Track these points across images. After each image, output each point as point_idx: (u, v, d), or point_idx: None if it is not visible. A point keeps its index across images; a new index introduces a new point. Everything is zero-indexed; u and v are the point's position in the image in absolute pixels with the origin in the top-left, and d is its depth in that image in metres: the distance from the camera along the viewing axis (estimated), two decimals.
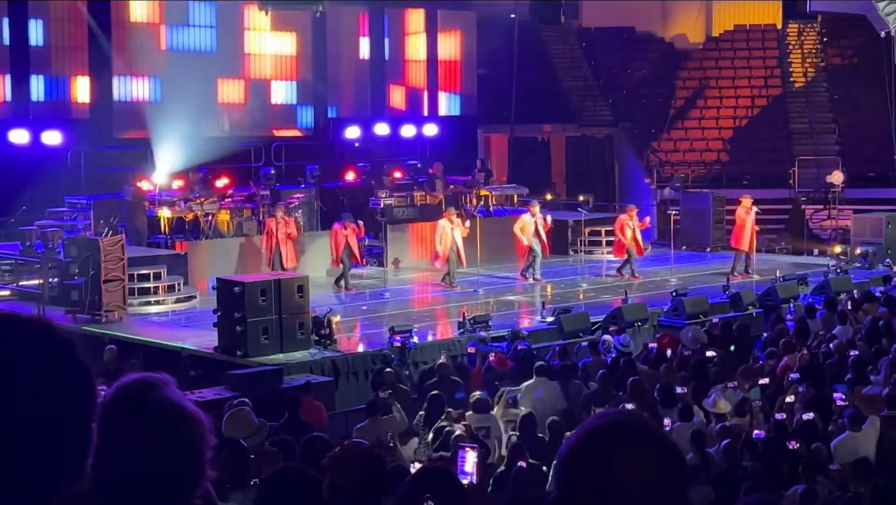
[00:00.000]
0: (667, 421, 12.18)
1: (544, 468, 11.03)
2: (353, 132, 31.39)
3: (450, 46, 34.12)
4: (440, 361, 15.98)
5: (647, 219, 26.38)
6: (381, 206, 26.34)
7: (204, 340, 18.03)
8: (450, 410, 13.27)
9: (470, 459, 8.99)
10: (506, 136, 35.91)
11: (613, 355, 16.22)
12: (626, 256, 24.43)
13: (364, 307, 21.75)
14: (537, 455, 11.28)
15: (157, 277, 21.47)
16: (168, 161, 25.92)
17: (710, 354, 15.95)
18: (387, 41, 32.76)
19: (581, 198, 30.58)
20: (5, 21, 26.52)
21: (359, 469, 5.64)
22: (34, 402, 2.07)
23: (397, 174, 28.13)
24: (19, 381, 2.06)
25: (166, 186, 24.64)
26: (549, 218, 24.67)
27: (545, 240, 24.11)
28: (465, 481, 8.76)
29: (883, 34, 31.58)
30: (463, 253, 23.26)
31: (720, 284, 22.49)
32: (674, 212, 26.92)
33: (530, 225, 23.89)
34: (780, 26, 37.86)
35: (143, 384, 2.31)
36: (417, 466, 8.53)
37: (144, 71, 28.50)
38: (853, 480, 10.34)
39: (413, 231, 26.31)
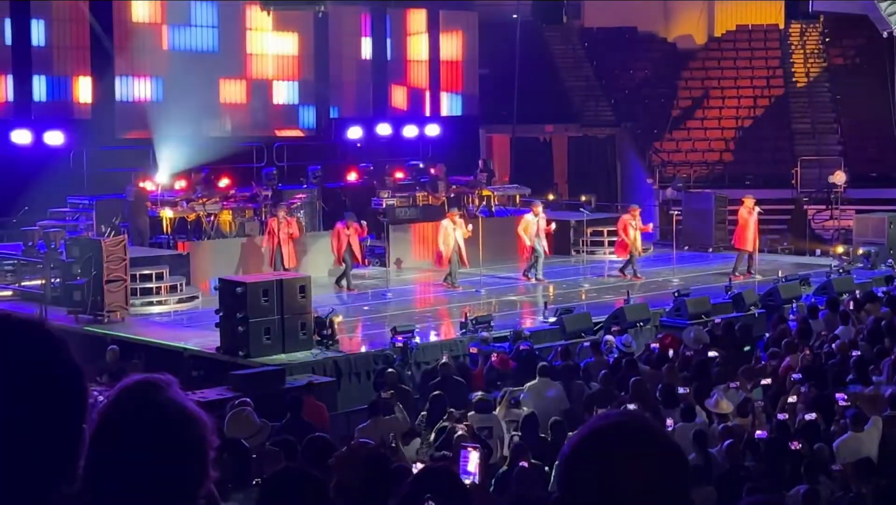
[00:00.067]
0: (669, 421, 12.17)
1: (546, 468, 11.03)
2: (355, 132, 31.40)
3: (452, 46, 34.13)
4: (443, 361, 15.99)
5: (650, 225, 26.36)
6: (384, 206, 26.35)
7: (206, 340, 18.04)
8: (452, 410, 13.26)
9: (472, 460, 8.99)
10: (508, 137, 35.92)
11: (615, 356, 16.21)
12: (628, 256, 24.43)
13: (366, 307, 21.75)
14: (539, 455, 11.28)
15: (160, 277, 21.48)
16: (170, 161, 25.94)
17: (712, 354, 15.94)
18: (388, 41, 32.77)
19: (583, 198, 30.57)
20: (7, 21, 26.55)
21: (365, 469, 5.64)
22: (26, 401, 2.07)
23: (399, 174, 28.15)
24: (11, 380, 2.06)
25: (169, 187, 24.67)
26: (553, 225, 24.71)
27: (544, 241, 24.12)
28: (467, 481, 8.76)
29: (885, 34, 31.58)
30: (465, 254, 23.27)
31: (722, 284, 22.47)
32: (676, 212, 26.91)
33: (533, 225, 23.89)
34: (782, 26, 37.85)
35: (146, 385, 2.31)
36: (419, 466, 8.53)
37: (146, 71, 28.52)
38: (855, 480, 10.34)
39: (415, 231, 26.31)
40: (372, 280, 24.55)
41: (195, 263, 22.74)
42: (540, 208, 24.46)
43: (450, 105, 34.43)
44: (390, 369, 15.76)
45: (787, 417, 12.37)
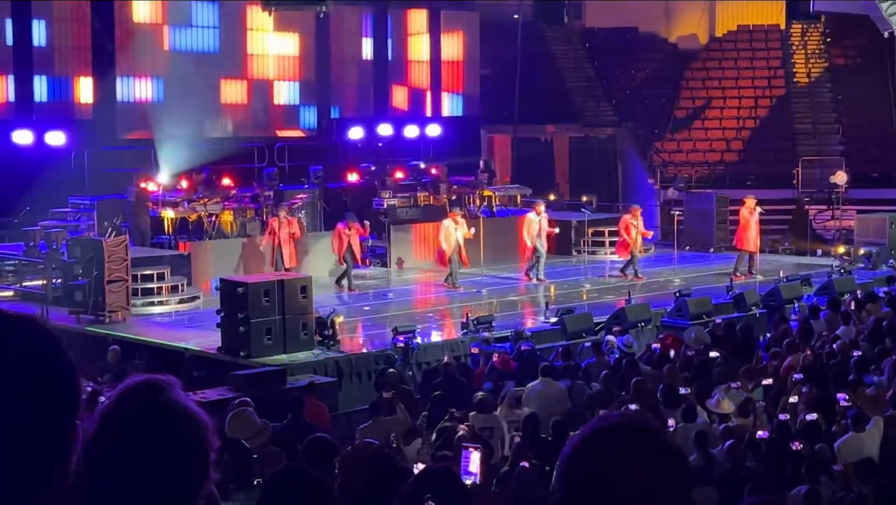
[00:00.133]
0: (671, 422, 12.17)
1: (547, 469, 11.02)
2: (356, 133, 31.40)
3: (453, 47, 34.14)
4: (445, 360, 16.00)
5: (651, 232, 26.32)
6: (385, 206, 26.36)
7: (207, 340, 18.04)
8: (453, 410, 13.26)
9: (474, 460, 9.01)
10: (509, 137, 35.92)
11: (617, 356, 16.21)
12: (629, 257, 24.43)
13: (367, 308, 21.76)
14: (541, 455, 11.27)
15: (161, 277, 21.48)
16: (171, 162, 25.94)
17: (713, 354, 15.93)
18: (389, 41, 32.77)
19: (584, 198, 30.57)
20: (8, 21, 26.55)
21: (370, 468, 5.65)
22: (19, 398, 2.07)
23: (399, 174, 28.16)
24: (4, 377, 2.06)
25: (170, 187, 24.67)
26: (557, 230, 24.72)
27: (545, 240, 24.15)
28: (468, 482, 8.77)
29: (886, 34, 31.57)
30: (465, 254, 23.28)
31: (724, 284, 22.47)
32: (677, 212, 26.91)
33: (535, 224, 23.90)
34: (783, 26, 37.83)
35: (148, 386, 2.31)
36: (421, 466, 8.53)
37: (147, 71, 28.52)
38: (857, 480, 10.34)
39: (416, 232, 26.31)
40: (373, 280, 24.55)
41: (196, 263, 22.74)
42: (542, 207, 24.47)
43: (451, 105, 34.43)
44: (391, 370, 15.76)
45: (788, 417, 12.36)
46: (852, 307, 18.49)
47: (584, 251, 26.97)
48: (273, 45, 30.82)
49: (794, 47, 37.32)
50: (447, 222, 23.29)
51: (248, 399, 12.47)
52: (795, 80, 36.38)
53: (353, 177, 28.32)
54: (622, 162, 35.65)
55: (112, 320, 19.61)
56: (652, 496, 2.16)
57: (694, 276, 24.66)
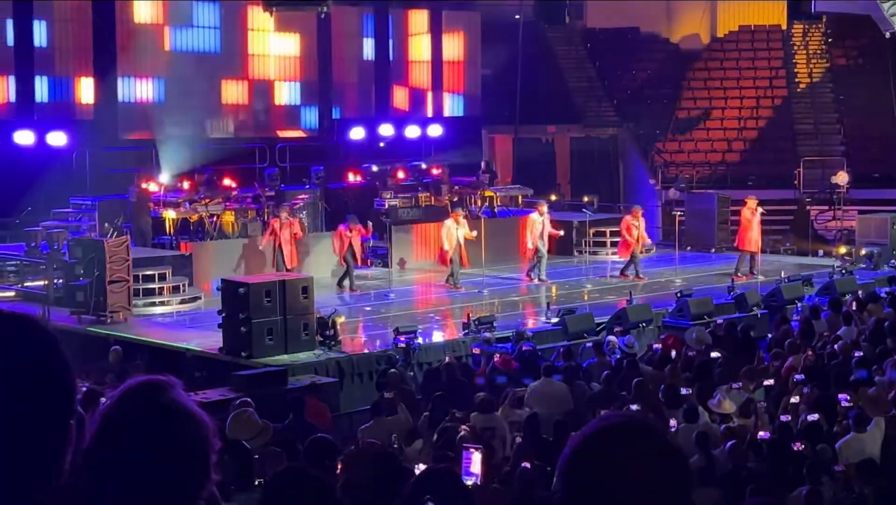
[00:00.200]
0: (672, 422, 12.16)
1: (549, 469, 11.02)
2: (357, 133, 31.41)
3: (454, 47, 34.14)
4: (446, 361, 16.00)
5: (650, 241, 26.24)
6: (386, 206, 26.36)
7: (208, 340, 18.05)
8: (454, 410, 13.26)
9: (475, 460, 9.00)
10: (510, 137, 35.91)
11: (618, 356, 16.21)
12: (629, 258, 24.43)
13: (368, 308, 21.77)
14: (542, 456, 11.27)
15: (162, 277, 21.49)
16: (172, 162, 25.95)
17: (714, 355, 15.93)
18: (391, 42, 32.78)
19: (586, 199, 30.57)
20: (9, 22, 26.56)
21: (373, 468, 5.65)
22: (14, 396, 2.07)
23: (401, 175, 28.17)
24: (1, 375, 2.07)
25: (171, 187, 24.68)
26: (561, 232, 24.72)
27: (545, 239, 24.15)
28: (469, 482, 8.77)
29: (888, 34, 31.53)
30: (465, 254, 23.28)
31: (725, 284, 22.46)
32: (679, 213, 26.89)
33: (538, 224, 23.91)
34: (784, 27, 37.82)
35: (150, 387, 2.31)
36: (422, 467, 8.53)
37: (148, 72, 28.52)
38: (858, 481, 10.33)
39: (417, 232, 26.32)
40: (374, 281, 24.56)
41: (198, 263, 22.75)
42: (545, 208, 24.48)
43: (452, 106, 34.44)
44: (393, 370, 15.76)
45: (789, 417, 12.35)
46: (854, 308, 18.48)
47: (586, 252, 26.97)
48: (274, 46, 30.83)
49: (795, 47, 37.31)
50: (449, 222, 23.29)
51: (249, 399, 12.46)
52: (797, 80, 36.36)
53: (354, 177, 28.33)
54: (623, 162, 35.63)
55: (113, 321, 19.61)
56: (653, 497, 2.15)
57: (695, 276, 24.65)
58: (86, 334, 18.79)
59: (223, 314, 17.57)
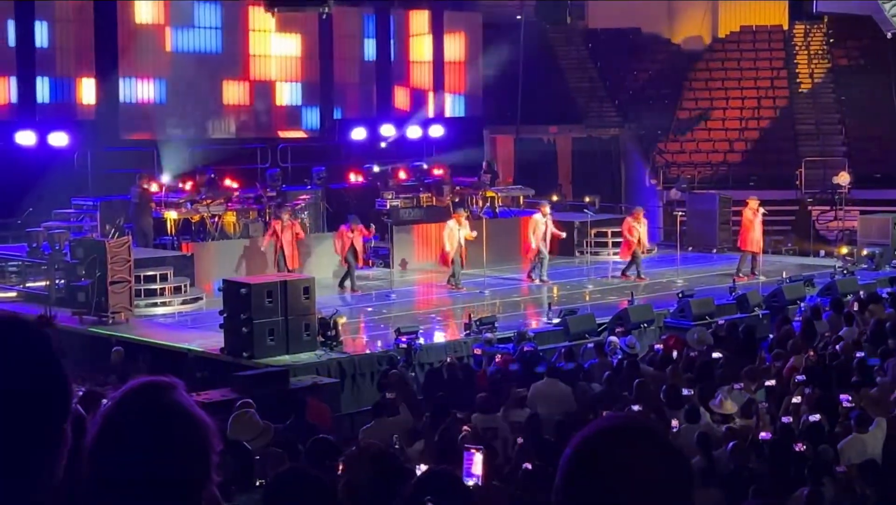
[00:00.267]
0: (674, 423, 12.15)
1: (550, 470, 11.02)
2: (358, 133, 31.42)
3: (455, 47, 34.14)
4: (448, 361, 16.01)
5: (649, 245, 26.20)
6: (388, 207, 26.36)
7: (210, 341, 18.06)
8: (455, 411, 13.25)
9: (476, 461, 9.00)
10: (512, 138, 35.91)
11: (619, 357, 16.20)
12: (630, 258, 24.43)
13: (370, 308, 21.77)
14: (543, 456, 11.26)
15: (164, 278, 21.50)
16: (174, 163, 25.96)
17: (716, 355, 15.92)
18: (392, 42, 32.78)
19: (587, 199, 30.57)
20: (11, 23, 26.56)
21: (373, 468, 5.65)
22: (8, 400, 2.07)
23: (402, 175, 28.17)
24: None
25: (173, 188, 24.69)
26: (564, 234, 24.71)
27: (548, 240, 24.15)
28: (471, 483, 8.77)
29: (889, 35, 31.52)
30: (465, 254, 23.29)
31: (726, 285, 22.45)
32: (680, 213, 26.89)
33: (541, 226, 23.92)
34: (786, 27, 37.80)
35: (151, 388, 2.31)
36: (423, 467, 8.52)
37: (150, 72, 28.52)
38: (860, 481, 10.32)
39: (419, 233, 26.32)
40: (376, 281, 24.57)
41: (199, 264, 22.76)
42: (548, 208, 24.50)
43: (453, 106, 34.43)
44: (394, 370, 15.76)
45: (790, 418, 12.34)
46: (855, 308, 18.46)
47: (587, 252, 26.97)
48: (275, 46, 30.82)
49: (796, 48, 37.28)
50: (451, 223, 23.30)
51: (250, 400, 12.46)
52: (798, 80, 36.34)
53: (355, 178, 28.33)
54: (625, 163, 35.63)
55: (115, 321, 19.62)
56: (654, 498, 2.15)
57: (697, 276, 24.65)
58: (87, 335, 18.81)
59: (225, 315, 17.58)
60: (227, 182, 25.48)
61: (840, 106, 35.25)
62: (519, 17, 35.16)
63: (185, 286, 21.79)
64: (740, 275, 24.28)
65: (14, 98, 26.79)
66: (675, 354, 16.25)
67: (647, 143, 35.11)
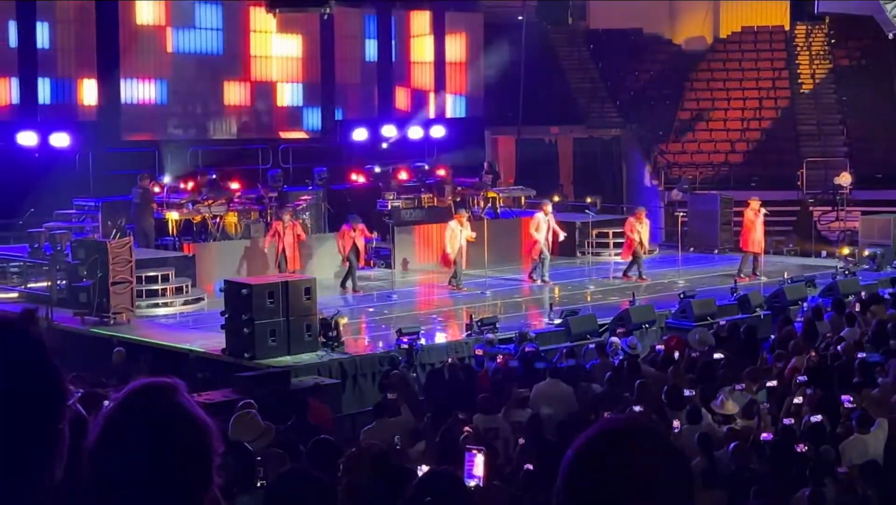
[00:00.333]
0: (676, 423, 12.15)
1: (551, 470, 11.00)
2: (359, 134, 31.41)
3: (456, 48, 34.14)
4: (449, 362, 16.00)
5: (650, 245, 26.18)
6: (389, 208, 26.36)
7: (211, 342, 18.06)
8: (457, 411, 13.25)
9: (477, 462, 8.99)
10: (513, 138, 35.93)
11: (621, 357, 16.19)
12: (631, 259, 24.43)
13: (371, 309, 21.77)
14: (545, 457, 11.26)
15: (165, 279, 21.50)
16: (175, 163, 25.96)
17: (717, 356, 15.92)
18: (393, 43, 32.78)
19: (588, 200, 30.57)
20: (12, 23, 26.55)
21: (373, 470, 5.66)
22: (2, 401, 2.07)
23: (403, 176, 28.17)
24: None
25: (174, 188, 24.69)
26: (563, 235, 24.68)
27: (550, 240, 24.14)
28: (472, 484, 8.76)
29: (891, 35, 31.52)
30: (465, 255, 23.29)
31: (728, 285, 22.45)
32: (681, 214, 26.88)
33: (543, 224, 23.91)
34: (787, 27, 37.81)
35: (153, 389, 2.31)
36: (425, 468, 8.52)
37: (151, 73, 28.52)
38: (861, 482, 10.32)
39: (420, 233, 26.32)
40: (377, 282, 24.57)
41: (201, 264, 22.76)
42: (549, 207, 24.50)
43: (455, 107, 34.43)
44: (395, 371, 15.76)
45: (792, 419, 12.34)
46: (857, 308, 18.46)
47: (589, 252, 26.96)
48: (276, 47, 30.81)
49: (798, 48, 37.29)
50: (453, 224, 23.29)
51: (252, 401, 12.46)
52: (800, 81, 36.35)
53: (357, 178, 28.33)
54: (626, 163, 35.64)
55: (116, 322, 19.63)
56: (655, 499, 2.15)
57: (698, 277, 24.65)
58: (89, 336, 18.82)
59: (226, 315, 17.58)
60: (229, 183, 25.47)
61: (841, 106, 35.25)
62: (520, 17, 35.18)
63: (187, 287, 21.80)
64: (742, 275, 24.27)
65: (15, 99, 26.79)
66: (676, 354, 16.25)
67: (648, 143, 35.12)
